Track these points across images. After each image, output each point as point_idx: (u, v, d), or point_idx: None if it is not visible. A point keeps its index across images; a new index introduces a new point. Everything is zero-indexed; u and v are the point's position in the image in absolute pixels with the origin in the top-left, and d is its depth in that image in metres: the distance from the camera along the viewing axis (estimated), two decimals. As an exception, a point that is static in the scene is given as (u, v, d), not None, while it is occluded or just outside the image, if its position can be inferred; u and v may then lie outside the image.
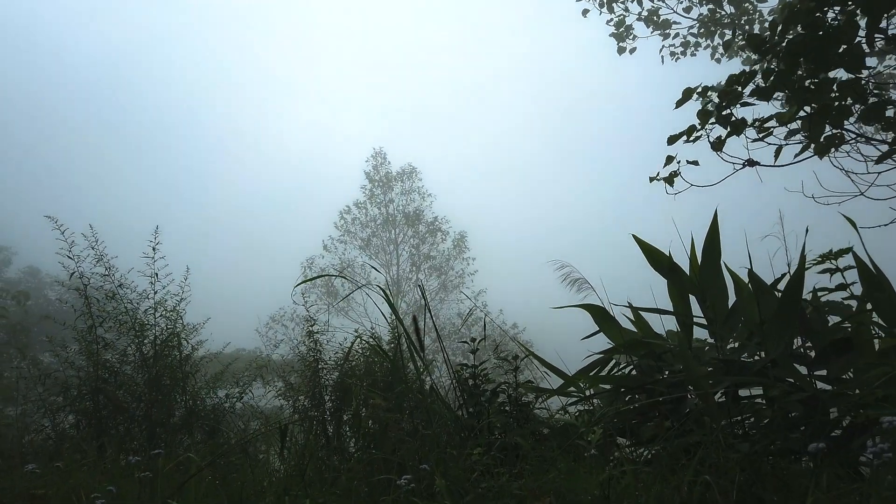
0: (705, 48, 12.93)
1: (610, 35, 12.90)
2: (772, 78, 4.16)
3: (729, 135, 4.55)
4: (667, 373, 3.56)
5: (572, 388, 3.77)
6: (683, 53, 12.66)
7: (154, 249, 5.00)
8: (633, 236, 3.57)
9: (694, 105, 4.81)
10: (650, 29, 12.83)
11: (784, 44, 4.10)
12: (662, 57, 12.38)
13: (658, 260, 3.52)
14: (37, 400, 4.65)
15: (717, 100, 4.71)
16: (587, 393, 3.77)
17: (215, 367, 5.90)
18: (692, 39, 12.71)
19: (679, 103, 4.79)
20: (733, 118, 4.60)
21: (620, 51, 12.62)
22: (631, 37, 12.65)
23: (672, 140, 4.83)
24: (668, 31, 12.72)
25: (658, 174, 4.86)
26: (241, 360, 6.25)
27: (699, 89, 4.75)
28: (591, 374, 3.76)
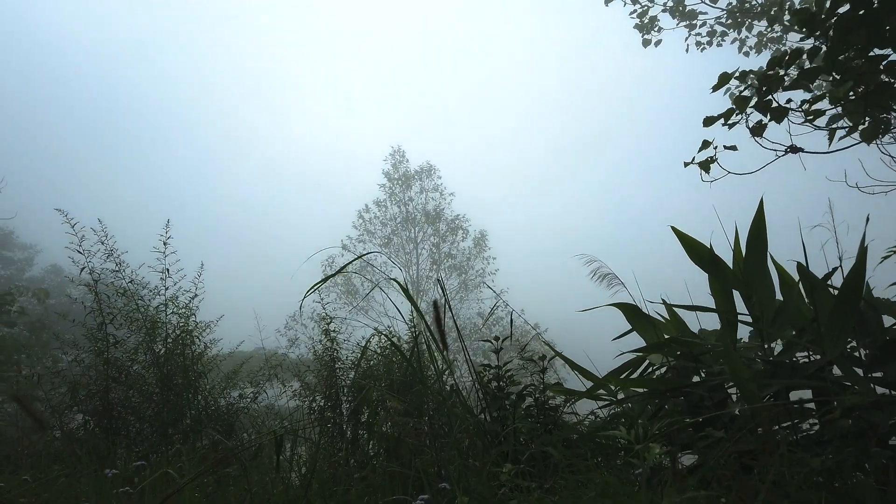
0: (732, 42, 12.52)
1: (634, 27, 12.55)
2: (819, 56, 3.86)
3: (771, 119, 4.25)
4: (704, 375, 3.29)
5: (602, 391, 3.52)
6: (710, 44, 12.27)
7: (165, 244, 4.83)
8: (672, 228, 3.30)
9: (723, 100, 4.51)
10: (675, 20, 12.47)
11: (834, 19, 3.80)
12: (688, 45, 12.00)
13: (698, 253, 3.24)
14: (43, 399, 4.51)
15: (756, 84, 4.42)
16: (618, 396, 3.52)
17: (229, 365, 5.75)
18: (719, 29, 12.31)
19: (715, 88, 4.50)
20: (774, 104, 4.31)
21: (645, 43, 12.27)
22: (656, 28, 12.31)
23: (709, 122, 4.54)
24: (693, 22, 12.35)
25: (693, 159, 4.57)
26: (257, 359, 6.08)
27: (737, 73, 4.46)
28: (623, 376, 3.50)
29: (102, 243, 4.75)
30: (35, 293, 12.34)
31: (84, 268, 4.64)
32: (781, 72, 4.24)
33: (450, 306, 3.11)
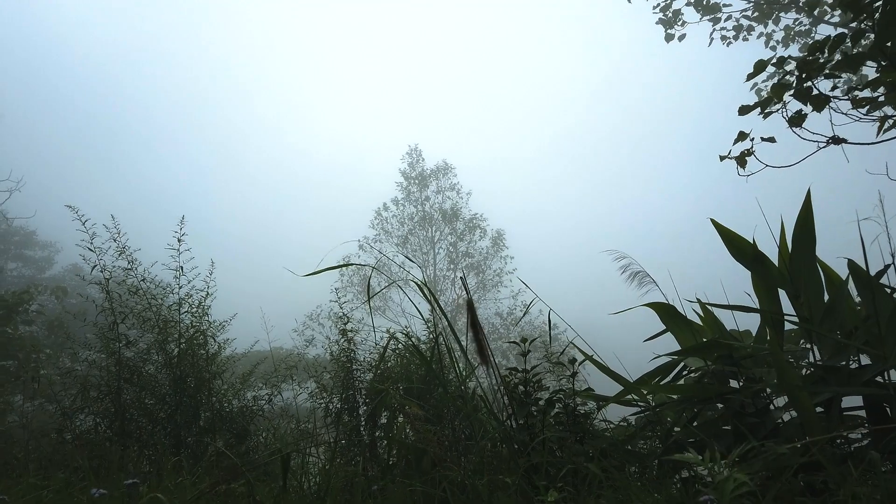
0: (759, 36, 12.17)
1: (657, 22, 12.25)
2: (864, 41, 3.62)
3: (812, 109, 4.01)
4: (744, 380, 3.07)
5: (633, 397, 3.31)
6: (735, 38, 11.94)
7: (179, 241, 4.70)
8: (712, 221, 3.09)
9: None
10: (699, 14, 12.16)
11: (881, 1, 3.55)
12: (711, 39, 11.69)
13: (740, 248, 3.03)
14: (53, 400, 4.40)
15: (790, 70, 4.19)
16: (652, 402, 3.31)
17: (244, 366, 5.62)
18: (745, 23, 11.98)
19: (751, 76, 4.26)
20: (814, 92, 4.07)
21: (668, 38, 11.97)
22: (680, 22, 12.01)
23: (744, 111, 4.31)
24: (718, 16, 12.04)
25: (729, 152, 4.34)
26: (271, 360, 5.94)
27: (774, 59, 4.22)
28: (656, 380, 3.29)
29: (115, 240, 4.63)
30: (53, 291, 12.38)
31: (95, 265, 4.52)
32: (822, 58, 4.01)
33: (472, 304, 2.93)
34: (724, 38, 11.72)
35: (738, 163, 4.40)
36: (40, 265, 31.97)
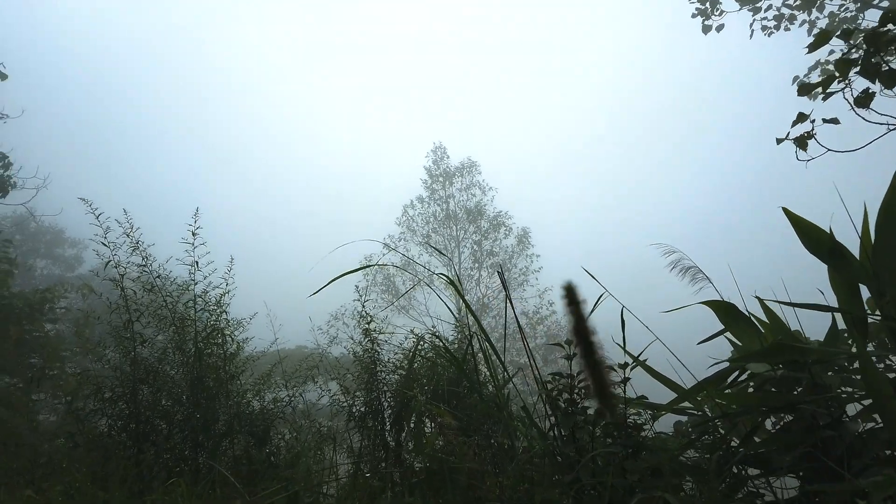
0: (801, 24, 11.59)
1: (693, 14, 11.73)
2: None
3: (884, 87, 3.62)
4: (808, 387, 2.72)
5: (687, 405, 2.98)
6: (777, 27, 11.39)
7: (194, 234, 4.47)
8: (784, 210, 2.74)
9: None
10: (738, 4, 11.65)
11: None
12: (752, 31, 11.16)
13: (816, 240, 2.67)
14: (64, 403, 4.20)
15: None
16: (709, 411, 2.98)
17: (264, 365, 5.40)
18: (787, 11, 11.43)
19: (813, 47, 3.89)
20: (885, 67, 3.68)
21: (706, 29, 11.44)
22: (717, 12, 11.51)
23: (805, 90, 3.94)
24: (758, 6, 11.51)
25: (788, 134, 3.98)
26: (293, 359, 5.71)
27: (839, 31, 3.83)
28: (717, 387, 2.94)
29: (128, 235, 4.42)
30: (79, 289, 12.35)
31: (109, 261, 4.32)
32: (894, 30, 3.63)
33: (510, 299, 2.62)
34: (764, 27, 11.20)
35: (798, 145, 4.03)
36: (70, 263, 32.36)
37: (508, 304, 2.61)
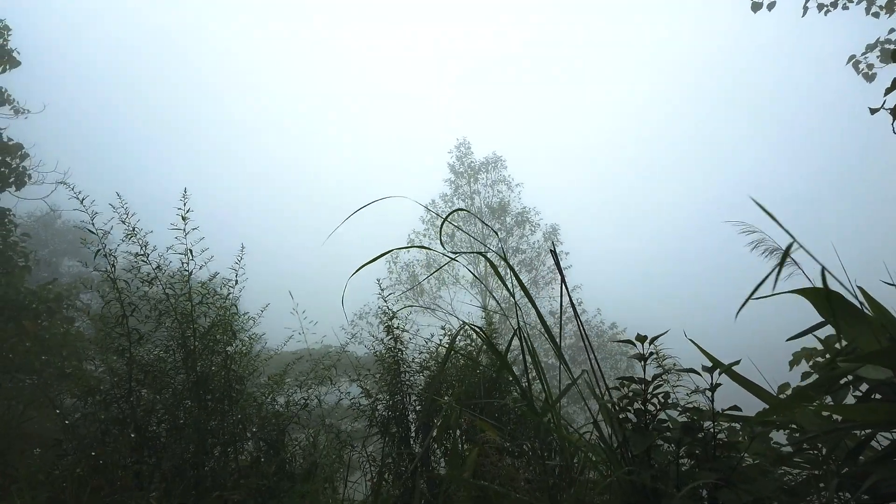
0: (858, 2, 10.75)
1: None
2: None
3: None
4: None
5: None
6: (834, 5, 10.57)
7: (184, 219, 4.00)
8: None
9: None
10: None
11: None
12: (806, 7, 10.39)
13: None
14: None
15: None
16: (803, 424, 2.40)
17: (278, 364, 4.94)
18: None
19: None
20: None
21: (755, 7, 10.65)
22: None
23: (887, 57, 3.33)
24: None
25: (883, 104, 3.38)
26: (314, 358, 5.24)
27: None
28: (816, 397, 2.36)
29: (123, 222, 3.97)
30: (97, 287, 12.09)
31: (99, 250, 3.88)
32: None
33: (565, 283, 2.09)
34: (820, 6, 10.40)
35: (894, 116, 3.43)
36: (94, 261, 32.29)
37: (564, 289, 2.07)
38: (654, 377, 2.08)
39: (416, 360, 4.81)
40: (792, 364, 3.51)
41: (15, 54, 9.29)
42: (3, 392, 8.05)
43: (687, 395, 2.60)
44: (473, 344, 4.35)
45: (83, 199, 3.75)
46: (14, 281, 9.05)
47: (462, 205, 27.48)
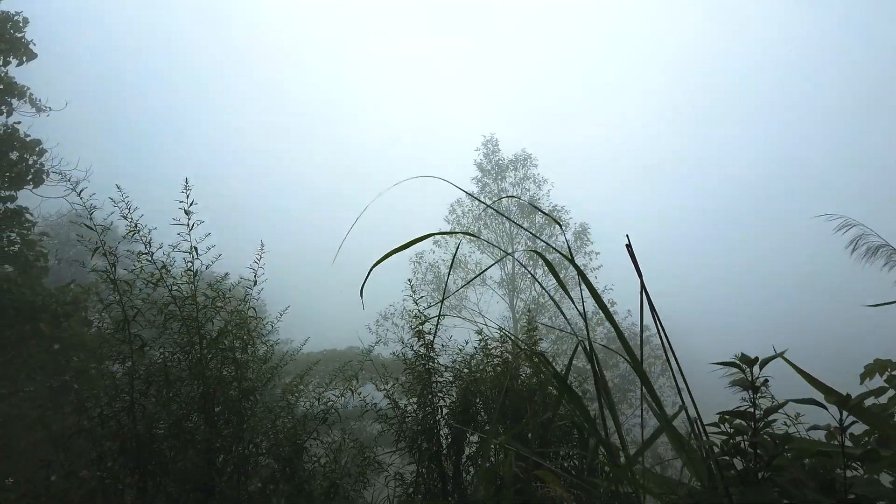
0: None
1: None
2: None
3: None
4: None
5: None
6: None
7: (187, 213, 3.61)
8: None
9: None
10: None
11: None
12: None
13: None
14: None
15: None
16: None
17: (299, 369, 4.55)
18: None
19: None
20: None
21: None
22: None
23: None
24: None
25: None
26: (338, 361, 4.83)
27: None
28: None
29: (124, 217, 3.60)
30: (118, 288, 11.86)
31: (98, 248, 3.51)
32: None
33: (645, 289, 1.62)
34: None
35: None
36: (121, 262, 32.55)
37: (644, 295, 1.59)
38: (766, 411, 1.59)
39: (449, 368, 4.38)
40: (864, 377, 2.97)
41: (31, 46, 9.09)
42: (21, 396, 7.83)
43: (789, 426, 2.10)
44: (538, 354, 3.89)
45: (80, 192, 3.39)
46: (31, 282, 8.81)
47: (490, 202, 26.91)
